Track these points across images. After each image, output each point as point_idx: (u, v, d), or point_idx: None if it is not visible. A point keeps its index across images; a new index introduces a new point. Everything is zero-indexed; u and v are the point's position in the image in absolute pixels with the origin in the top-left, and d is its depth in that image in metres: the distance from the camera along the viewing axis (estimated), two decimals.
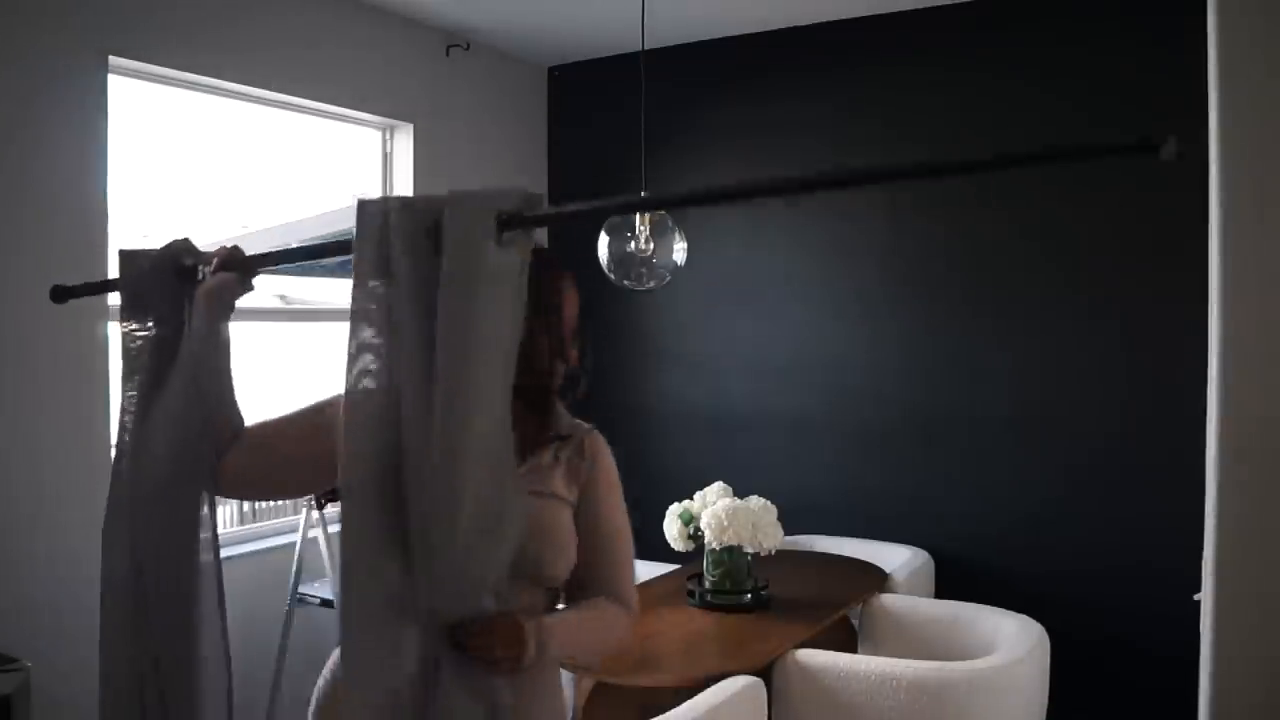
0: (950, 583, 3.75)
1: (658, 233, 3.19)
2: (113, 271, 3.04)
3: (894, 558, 3.66)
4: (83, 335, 2.93)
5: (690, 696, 2.32)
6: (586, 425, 1.63)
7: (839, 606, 3.12)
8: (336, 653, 1.59)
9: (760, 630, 2.89)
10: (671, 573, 3.46)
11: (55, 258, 2.81)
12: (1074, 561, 3.63)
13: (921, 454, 3.93)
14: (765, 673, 2.61)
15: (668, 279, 3.30)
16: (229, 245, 1.51)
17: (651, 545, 3.16)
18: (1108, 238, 3.59)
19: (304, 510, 3.36)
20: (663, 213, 3.22)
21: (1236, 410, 1.89)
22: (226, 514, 3.74)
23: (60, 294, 1.67)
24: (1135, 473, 3.52)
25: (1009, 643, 2.84)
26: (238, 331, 1.52)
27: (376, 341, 1.20)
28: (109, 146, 2.98)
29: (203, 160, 3.55)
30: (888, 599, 3.27)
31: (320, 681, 1.61)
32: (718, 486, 3.22)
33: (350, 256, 1.23)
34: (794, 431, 4.18)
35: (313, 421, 1.50)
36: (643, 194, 3.17)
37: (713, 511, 3.06)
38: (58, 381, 2.88)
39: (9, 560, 2.74)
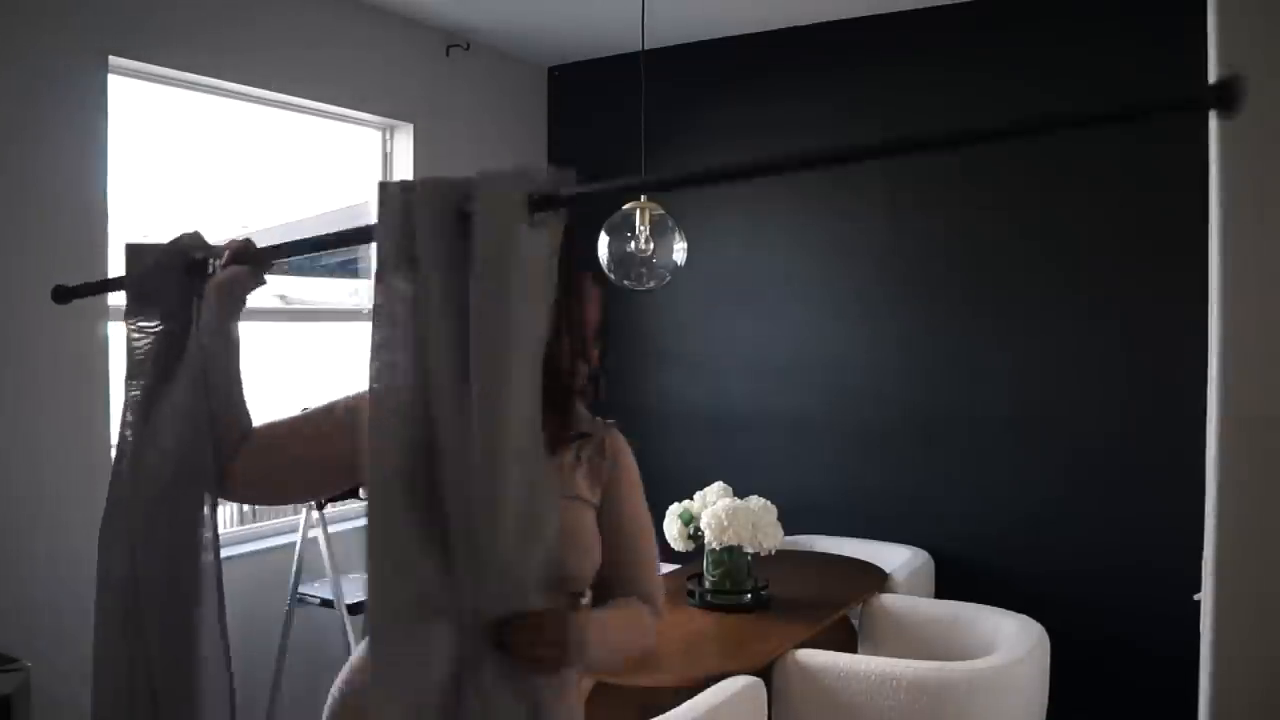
0: (950, 583, 3.75)
1: (658, 233, 3.19)
2: (114, 271, 3.04)
3: (894, 558, 3.66)
4: (83, 335, 2.93)
5: (690, 696, 2.32)
6: (607, 423, 1.61)
7: (839, 606, 3.12)
8: (356, 655, 1.56)
9: (760, 630, 2.89)
10: (671, 573, 3.46)
11: (55, 258, 2.81)
12: (1074, 561, 3.63)
13: (921, 454, 3.93)
14: (765, 673, 2.61)
15: (668, 279, 3.30)
16: (240, 238, 1.47)
17: None
18: (1108, 238, 3.59)
19: (304, 510, 3.36)
20: (662, 212, 3.22)
21: (1236, 410, 1.89)
22: (226, 514, 3.74)
23: (62, 294, 1.64)
24: (1135, 473, 3.52)
25: (1009, 643, 2.84)
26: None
27: (403, 331, 1.15)
28: (109, 146, 2.99)
29: (203, 160, 3.55)
30: (888, 599, 3.27)
31: (338, 682, 1.56)
32: (718, 486, 3.22)
33: (352, 249, 1.21)
34: (794, 431, 4.18)
35: (324, 422, 1.47)
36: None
37: (713, 511, 3.06)
38: (58, 381, 2.88)
39: (9, 560, 2.74)
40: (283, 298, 3.82)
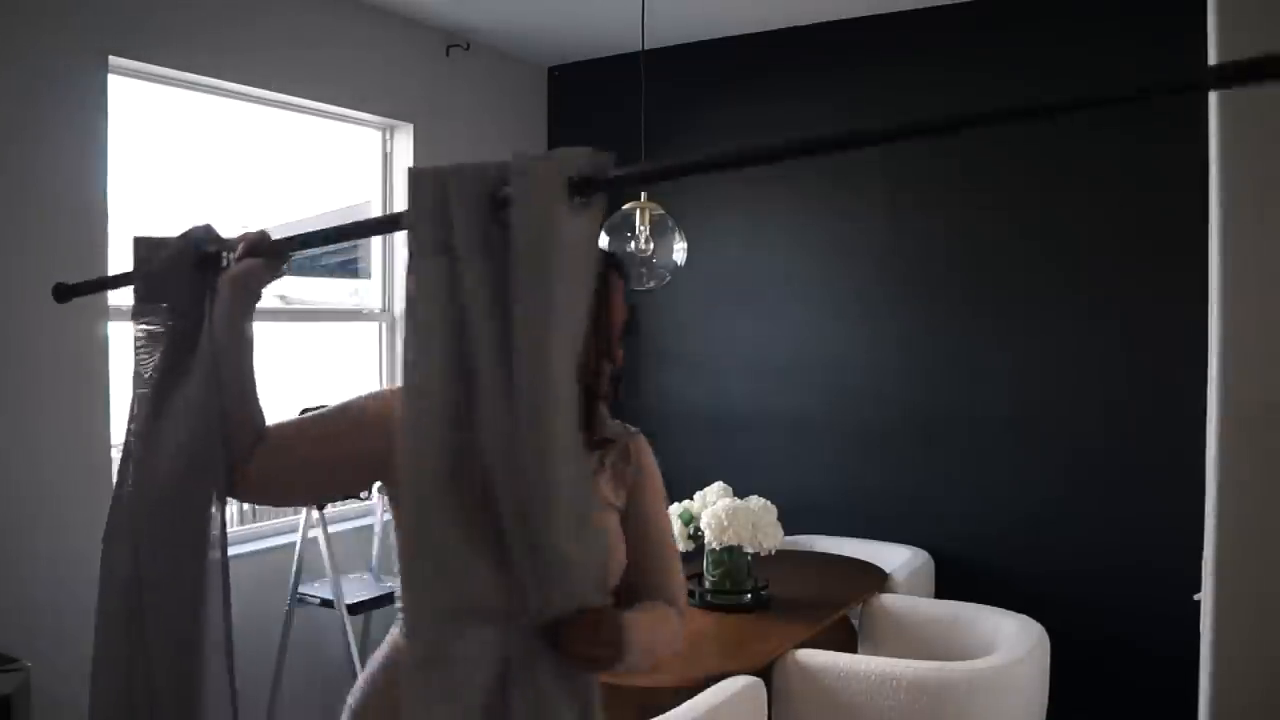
0: (950, 583, 3.76)
1: (658, 233, 3.19)
2: (114, 270, 3.04)
3: (894, 558, 3.66)
4: (83, 335, 2.93)
5: (690, 696, 2.32)
6: (631, 429, 1.59)
7: (839, 606, 3.12)
8: (380, 656, 1.53)
9: (760, 630, 2.89)
10: None
11: (55, 258, 2.81)
12: (1074, 561, 3.63)
13: (921, 454, 3.93)
14: (765, 673, 2.61)
15: (668, 279, 3.30)
16: (254, 230, 1.42)
17: None
18: (1108, 238, 3.59)
19: (304, 510, 3.36)
20: (662, 212, 3.22)
21: (1236, 410, 1.89)
22: (226, 513, 3.74)
23: (63, 293, 1.60)
24: (1135, 473, 3.52)
25: (1009, 643, 2.84)
26: None
27: (441, 322, 1.09)
28: (109, 146, 2.99)
29: (203, 160, 3.55)
30: (888, 599, 3.27)
31: (361, 684, 1.53)
32: (718, 486, 3.22)
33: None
34: (794, 431, 4.18)
35: (336, 423, 1.44)
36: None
37: (713, 511, 3.06)
38: (58, 381, 2.88)
39: (9, 560, 2.74)
40: (283, 298, 3.82)
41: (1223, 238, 1.91)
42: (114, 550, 1.43)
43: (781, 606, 3.06)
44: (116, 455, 3.19)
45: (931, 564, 3.77)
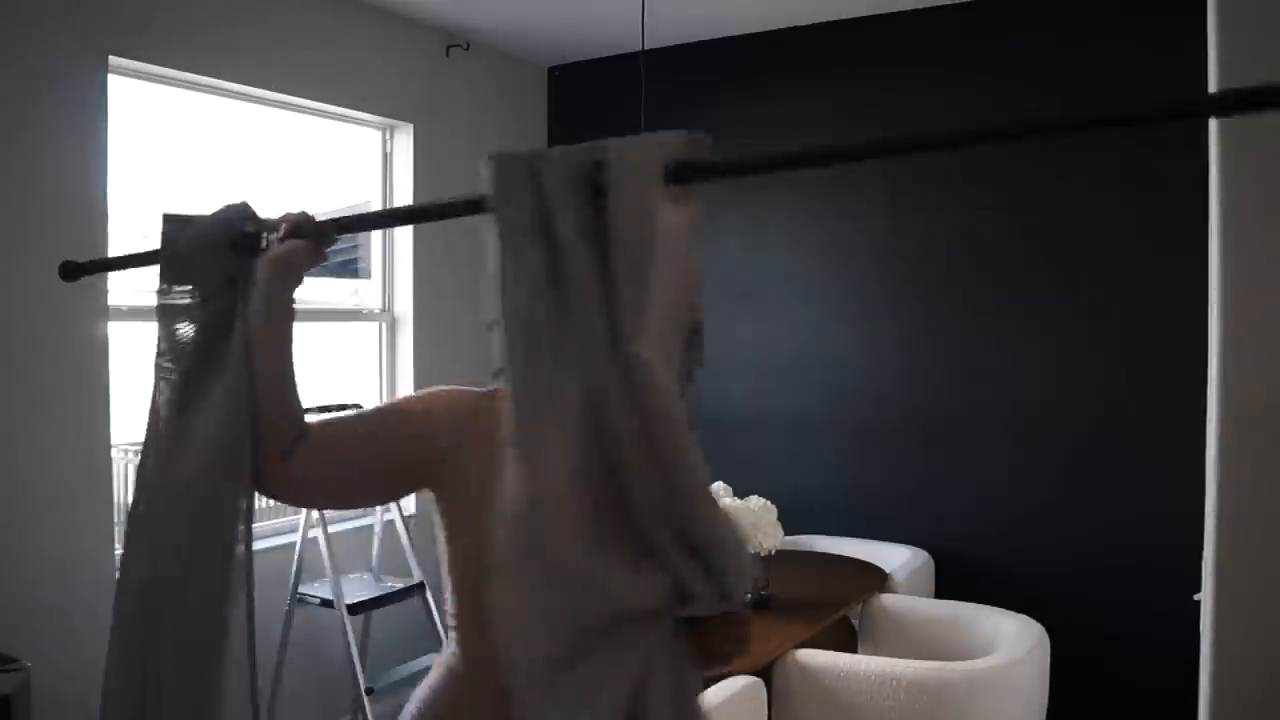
0: (950, 583, 3.76)
1: None
2: (114, 269, 3.04)
3: (894, 558, 3.66)
4: (83, 335, 2.93)
5: None
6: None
7: (839, 606, 3.12)
8: (432, 685, 1.40)
9: (760, 630, 2.88)
10: None
11: (55, 258, 2.80)
12: (1074, 561, 3.63)
13: (921, 454, 3.93)
14: (765, 673, 2.61)
15: None
16: (296, 210, 1.34)
17: None
18: (1108, 238, 3.59)
19: (304, 510, 3.36)
20: None
21: (1236, 410, 1.89)
22: None
23: (70, 271, 1.51)
24: (1135, 473, 3.52)
25: (1009, 643, 2.84)
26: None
27: (549, 315, 1.04)
28: (109, 146, 2.99)
29: (203, 160, 3.55)
30: (888, 599, 3.27)
31: (419, 699, 1.41)
32: (718, 487, 3.22)
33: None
34: (794, 431, 4.18)
35: (386, 421, 1.36)
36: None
37: None
38: (58, 381, 2.88)
39: (9, 560, 2.74)
40: None
41: (1223, 238, 1.91)
42: (132, 547, 1.32)
43: (781, 606, 3.06)
44: (116, 455, 3.20)
45: (931, 564, 3.77)
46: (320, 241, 1.33)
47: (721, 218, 4.28)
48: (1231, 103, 0.78)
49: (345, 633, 3.25)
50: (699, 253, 1.07)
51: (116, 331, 3.03)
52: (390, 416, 1.37)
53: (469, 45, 4.23)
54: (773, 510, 3.10)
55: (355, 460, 1.33)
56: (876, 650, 3.15)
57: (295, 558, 3.37)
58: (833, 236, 4.14)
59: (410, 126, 4.08)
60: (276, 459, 1.28)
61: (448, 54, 4.20)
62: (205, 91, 3.41)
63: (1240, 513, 1.89)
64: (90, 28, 2.93)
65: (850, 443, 4.07)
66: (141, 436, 1.34)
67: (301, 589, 3.38)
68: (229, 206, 1.34)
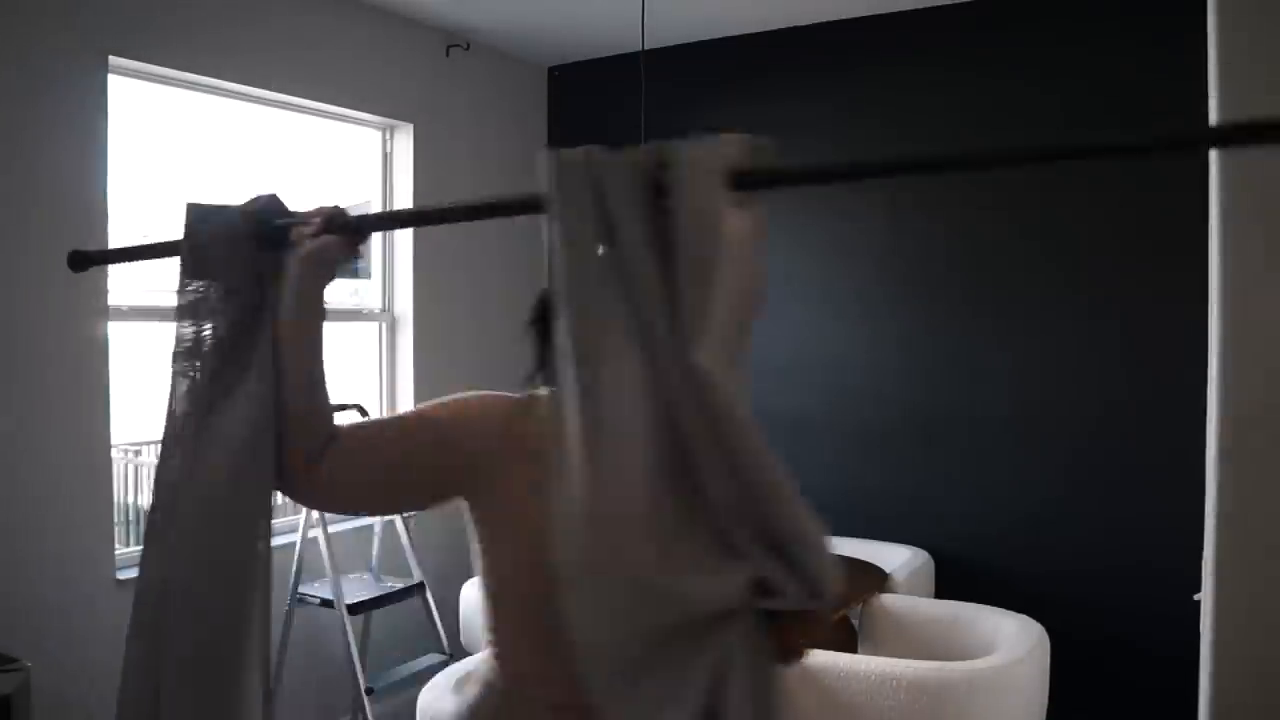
0: (950, 583, 3.76)
1: None
2: (113, 270, 3.04)
3: (894, 558, 3.66)
4: (83, 335, 2.93)
5: None
6: None
7: (839, 606, 3.12)
8: (465, 707, 1.36)
9: None
10: None
11: (55, 258, 2.80)
12: (1074, 561, 3.63)
13: (921, 454, 3.93)
14: None
15: None
16: (330, 205, 1.30)
17: None
18: (1108, 238, 3.59)
19: (303, 510, 3.36)
20: None
21: (1236, 410, 1.89)
22: None
23: (79, 261, 1.45)
24: (1135, 473, 3.52)
25: (1009, 643, 2.84)
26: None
27: (613, 314, 1.02)
28: (109, 146, 2.98)
29: (203, 160, 3.55)
30: (888, 599, 3.27)
31: (465, 705, 1.37)
32: None
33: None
34: (794, 431, 4.18)
35: (419, 425, 1.32)
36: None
37: None
38: (58, 381, 2.88)
39: (10, 560, 2.74)
40: None
41: (1223, 238, 1.91)
42: (152, 548, 1.27)
43: None
44: (117, 455, 3.20)
45: (931, 564, 3.77)
46: (353, 238, 1.29)
47: None
48: (1230, 135, 0.79)
49: (345, 633, 3.25)
50: (762, 256, 1.07)
51: (116, 331, 3.03)
52: (422, 423, 1.32)
53: (469, 45, 4.23)
54: None
55: (386, 467, 1.29)
56: (876, 650, 3.15)
57: (295, 558, 3.37)
58: (833, 236, 4.13)
59: (410, 126, 4.08)
60: (305, 462, 1.25)
61: (448, 54, 4.20)
62: (205, 91, 3.41)
63: (1240, 513, 1.89)
64: (90, 28, 2.93)
65: (850, 443, 4.07)
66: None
67: (301, 589, 3.38)
68: (257, 198, 1.30)
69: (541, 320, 1.32)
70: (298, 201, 1.35)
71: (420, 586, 3.54)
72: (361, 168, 4.12)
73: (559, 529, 1.04)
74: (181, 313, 1.28)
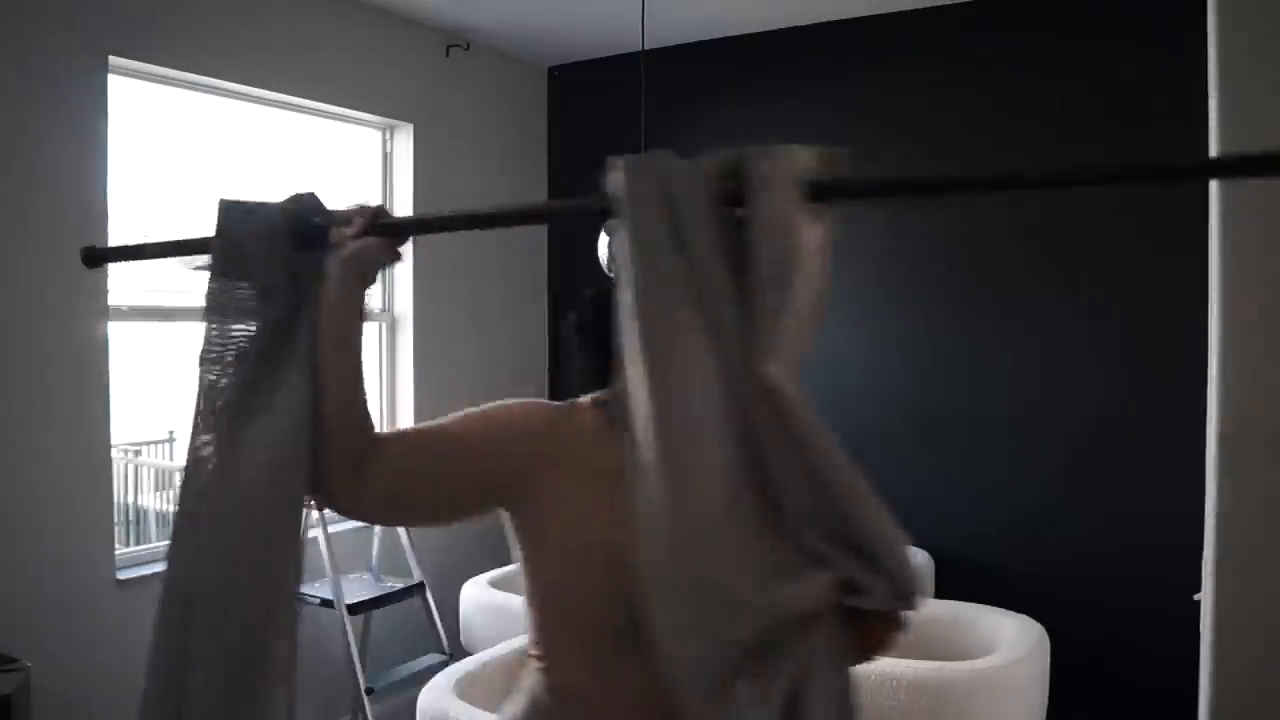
0: (950, 583, 3.75)
1: None
2: (113, 271, 3.04)
3: None
4: (83, 335, 2.93)
5: None
6: None
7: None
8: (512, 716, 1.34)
9: None
10: None
11: (55, 258, 2.81)
12: (1074, 561, 3.62)
13: (921, 454, 3.93)
14: None
15: None
16: (371, 205, 1.27)
17: None
18: (1108, 238, 3.59)
19: (303, 511, 3.36)
20: None
21: (1236, 410, 1.89)
22: None
23: (93, 258, 1.41)
24: (1135, 473, 3.52)
25: (1009, 643, 2.84)
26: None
27: (686, 322, 1.01)
28: (109, 146, 2.99)
29: (203, 161, 3.55)
30: None
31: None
32: None
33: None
34: None
35: (466, 434, 1.27)
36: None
37: None
38: (58, 381, 2.88)
39: (10, 560, 2.74)
40: None
41: (1223, 238, 1.91)
42: (180, 553, 1.23)
43: None
44: (117, 455, 3.20)
45: (931, 564, 3.77)
46: (396, 239, 1.25)
47: None
48: (1235, 165, 0.80)
49: (345, 633, 3.26)
50: (831, 266, 1.07)
51: (116, 331, 3.03)
52: (464, 433, 1.28)
53: (469, 45, 4.23)
54: None
55: (428, 479, 1.26)
56: None
57: None
58: (832, 236, 4.13)
59: (410, 126, 4.08)
60: (343, 473, 1.21)
61: (448, 54, 4.20)
62: (205, 91, 3.41)
63: (1240, 513, 1.89)
64: (90, 28, 2.93)
65: (850, 443, 3.99)
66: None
67: (301, 589, 3.38)
68: (295, 196, 1.26)
69: (591, 324, 1.32)
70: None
71: (420, 586, 3.54)
72: (361, 168, 4.12)
73: (641, 538, 1.03)
74: (211, 312, 1.23)
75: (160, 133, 3.40)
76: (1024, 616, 3.00)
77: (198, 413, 1.22)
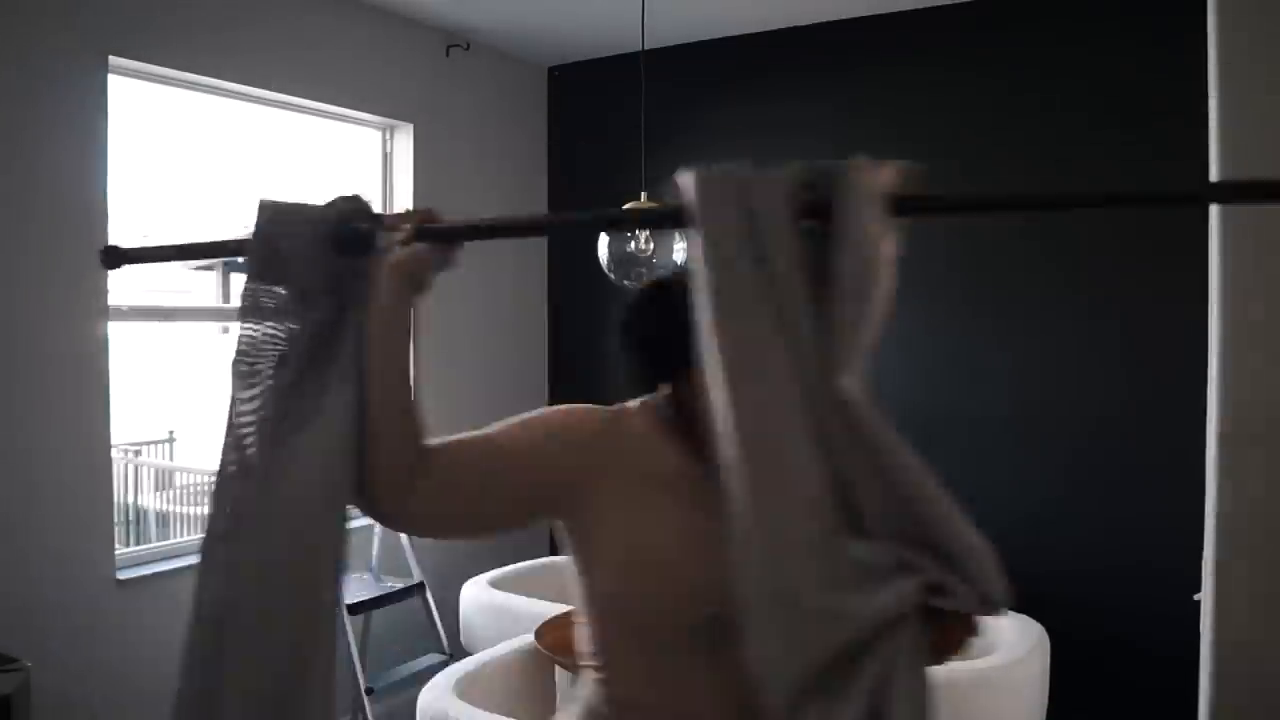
0: None
1: (657, 232, 3.19)
2: (112, 271, 3.04)
3: None
4: (83, 335, 2.93)
5: None
6: None
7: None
8: (589, 692, 1.31)
9: None
10: None
11: (55, 258, 2.82)
12: (1074, 561, 3.62)
13: (921, 454, 3.92)
14: None
15: None
16: (423, 208, 1.22)
17: None
18: (1108, 238, 3.58)
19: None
20: None
21: (1236, 411, 1.89)
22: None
23: (113, 258, 1.34)
24: (1135, 473, 3.52)
25: (1009, 643, 2.84)
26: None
27: (764, 335, 1.02)
28: (109, 146, 2.99)
29: (203, 160, 3.55)
30: None
31: None
32: None
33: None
34: None
35: (515, 444, 1.25)
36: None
37: None
38: (58, 381, 2.88)
39: (10, 559, 2.74)
40: None
41: (1223, 238, 1.91)
42: (211, 564, 1.17)
43: None
44: (117, 455, 3.20)
45: None
46: (449, 245, 1.21)
47: None
48: (1232, 193, 0.80)
49: (345, 633, 3.26)
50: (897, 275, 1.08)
51: (116, 331, 3.03)
52: (513, 442, 1.24)
53: (469, 45, 4.23)
54: None
55: (476, 498, 1.23)
56: None
57: None
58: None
59: (410, 126, 4.08)
60: (396, 487, 1.17)
61: (448, 54, 4.20)
62: (205, 91, 3.41)
63: (1240, 513, 1.89)
64: (90, 28, 2.93)
65: None
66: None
67: None
68: (340, 198, 1.20)
69: (634, 324, 1.32)
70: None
71: (420, 586, 3.54)
72: (361, 168, 4.12)
73: (733, 550, 1.03)
74: (246, 314, 1.17)
75: (160, 133, 3.40)
76: (1024, 616, 3.00)
77: (232, 420, 1.17)
